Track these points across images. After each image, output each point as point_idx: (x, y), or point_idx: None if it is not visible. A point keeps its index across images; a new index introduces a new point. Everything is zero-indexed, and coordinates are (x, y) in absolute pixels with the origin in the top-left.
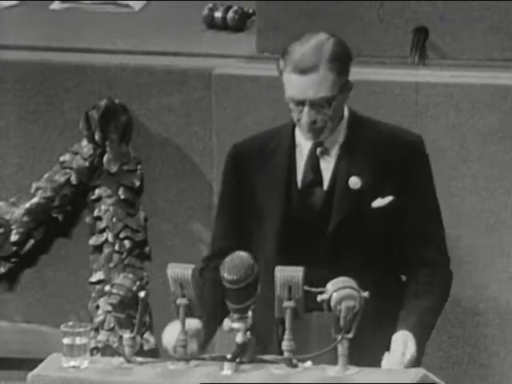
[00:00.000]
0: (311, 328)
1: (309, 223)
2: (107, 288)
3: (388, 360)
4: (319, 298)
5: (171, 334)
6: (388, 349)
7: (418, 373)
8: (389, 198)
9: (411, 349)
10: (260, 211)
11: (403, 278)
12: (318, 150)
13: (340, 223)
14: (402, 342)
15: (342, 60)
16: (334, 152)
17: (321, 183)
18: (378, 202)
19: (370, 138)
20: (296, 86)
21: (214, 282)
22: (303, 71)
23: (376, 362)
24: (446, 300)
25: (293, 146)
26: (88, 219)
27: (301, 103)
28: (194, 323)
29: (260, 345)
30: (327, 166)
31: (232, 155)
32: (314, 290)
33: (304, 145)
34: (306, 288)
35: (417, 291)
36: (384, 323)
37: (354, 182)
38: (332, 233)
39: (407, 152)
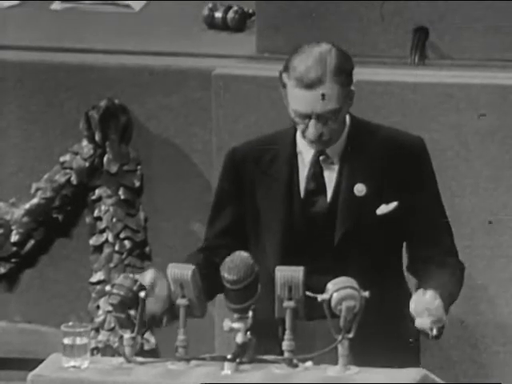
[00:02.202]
0: (315, 336)
1: (312, 234)
2: (107, 288)
3: (418, 299)
4: (320, 298)
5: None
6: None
7: (419, 373)
8: (393, 204)
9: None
10: (260, 218)
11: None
12: (321, 158)
13: (346, 232)
14: (426, 293)
15: (346, 71)
16: (337, 160)
17: (324, 192)
18: (383, 209)
19: (372, 144)
20: (302, 100)
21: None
22: (309, 86)
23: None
24: (462, 285)
25: (294, 154)
26: (88, 219)
27: (307, 116)
28: (148, 276)
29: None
30: (330, 175)
31: (231, 159)
32: (314, 295)
33: (306, 153)
34: (307, 293)
35: (434, 272)
36: (390, 328)
37: (360, 189)
38: (338, 242)
39: (409, 155)
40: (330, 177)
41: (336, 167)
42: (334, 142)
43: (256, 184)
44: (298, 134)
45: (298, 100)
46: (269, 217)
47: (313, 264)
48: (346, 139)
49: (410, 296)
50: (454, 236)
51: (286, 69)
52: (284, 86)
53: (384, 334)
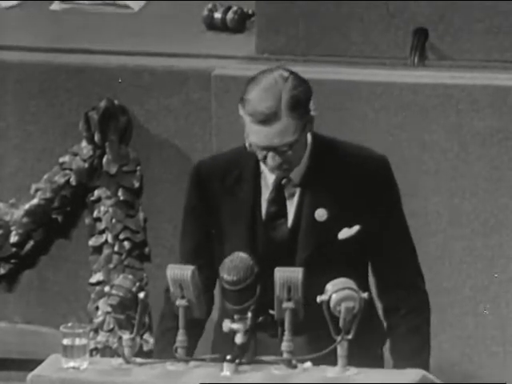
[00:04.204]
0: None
1: (275, 257)
2: (107, 289)
3: None
4: (319, 298)
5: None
6: None
7: (418, 373)
8: (356, 228)
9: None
10: (224, 240)
11: (378, 304)
12: (283, 181)
13: (307, 257)
14: None
15: (302, 103)
16: (298, 182)
17: (285, 217)
18: (345, 233)
19: (335, 165)
20: (258, 135)
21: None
22: (264, 122)
23: None
24: (429, 319)
25: (258, 173)
26: (87, 220)
27: (264, 149)
28: None
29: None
30: (291, 199)
31: (197, 174)
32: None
33: (268, 174)
34: (270, 312)
35: (400, 330)
36: (356, 349)
37: (320, 214)
38: (299, 267)
39: (372, 177)
40: (292, 201)
41: (298, 191)
42: (296, 165)
43: (221, 203)
44: None
45: (255, 134)
46: (233, 237)
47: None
48: (308, 160)
49: (377, 317)
50: (418, 258)
51: (242, 101)
52: (241, 117)
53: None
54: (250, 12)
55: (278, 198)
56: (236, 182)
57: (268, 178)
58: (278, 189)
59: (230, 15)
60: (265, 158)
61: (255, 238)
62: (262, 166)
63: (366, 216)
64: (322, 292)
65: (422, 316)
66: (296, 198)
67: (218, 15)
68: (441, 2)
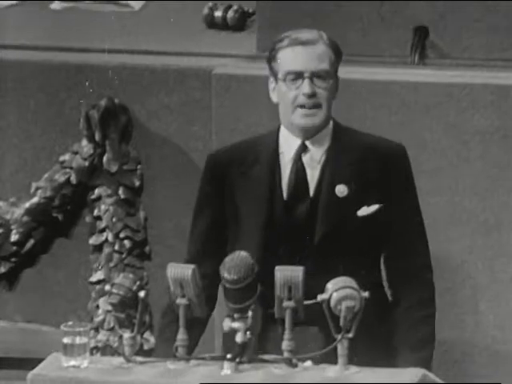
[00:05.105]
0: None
1: (293, 234)
2: (107, 288)
3: None
4: (319, 297)
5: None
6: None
7: (418, 373)
8: (374, 207)
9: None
10: (240, 224)
11: (387, 290)
12: (303, 154)
13: (326, 232)
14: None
15: (336, 49)
16: (319, 159)
17: (306, 192)
18: (364, 211)
19: (354, 147)
20: (297, 57)
21: None
22: (303, 43)
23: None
24: (435, 312)
25: (276, 154)
26: (88, 219)
27: (300, 76)
28: None
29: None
30: (312, 174)
31: (209, 166)
32: (314, 301)
33: (287, 152)
34: (305, 303)
35: (407, 319)
36: (367, 330)
37: (341, 189)
38: (318, 243)
39: (389, 162)
40: (312, 176)
41: (318, 167)
42: (319, 129)
43: (236, 186)
44: (282, 133)
45: (293, 59)
46: (250, 219)
47: (294, 264)
48: (329, 139)
49: (387, 301)
50: (429, 249)
51: (279, 39)
52: (273, 57)
53: (359, 334)
54: (251, 10)
55: (299, 173)
56: (253, 164)
57: (287, 157)
58: (299, 162)
59: (230, 14)
60: (298, 91)
61: (274, 217)
62: (281, 147)
63: (383, 199)
64: (336, 273)
65: (429, 308)
66: (317, 174)
67: (218, 14)
68: (441, 1)
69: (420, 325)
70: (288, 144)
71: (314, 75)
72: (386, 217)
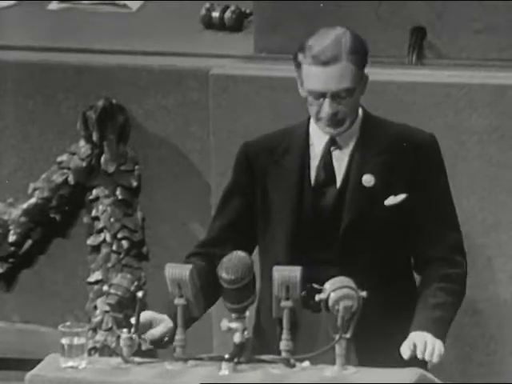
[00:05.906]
0: (320, 328)
1: (321, 223)
2: (105, 288)
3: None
4: (317, 297)
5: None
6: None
7: (416, 373)
8: (401, 196)
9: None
10: (270, 211)
11: (416, 276)
12: (332, 148)
13: (352, 222)
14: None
15: (360, 52)
16: (347, 151)
17: (334, 182)
18: (391, 200)
19: (383, 138)
20: (317, 78)
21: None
22: (325, 63)
23: (386, 361)
24: (462, 299)
25: (307, 145)
26: (86, 219)
27: (322, 96)
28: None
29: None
30: (340, 164)
31: (243, 154)
32: (320, 287)
33: (317, 144)
34: (313, 285)
35: (433, 289)
36: (396, 322)
37: (368, 179)
38: (344, 232)
39: (420, 152)
40: (340, 166)
41: (346, 158)
42: (347, 127)
43: (268, 174)
44: (312, 127)
45: (313, 78)
46: (279, 206)
47: (320, 254)
48: (358, 130)
49: (416, 290)
50: (462, 236)
51: (302, 48)
52: (298, 65)
53: (387, 326)
54: (248, 11)
55: (328, 164)
56: (283, 154)
57: (317, 148)
58: (328, 155)
59: (227, 14)
60: (320, 109)
61: (302, 204)
62: (312, 139)
63: (411, 188)
64: (363, 262)
65: (454, 283)
66: (344, 164)
67: (215, 14)
68: (438, 1)
69: (441, 293)
70: (318, 136)
71: (336, 95)
72: (416, 206)
